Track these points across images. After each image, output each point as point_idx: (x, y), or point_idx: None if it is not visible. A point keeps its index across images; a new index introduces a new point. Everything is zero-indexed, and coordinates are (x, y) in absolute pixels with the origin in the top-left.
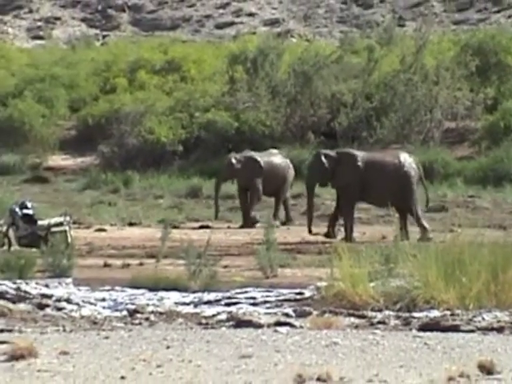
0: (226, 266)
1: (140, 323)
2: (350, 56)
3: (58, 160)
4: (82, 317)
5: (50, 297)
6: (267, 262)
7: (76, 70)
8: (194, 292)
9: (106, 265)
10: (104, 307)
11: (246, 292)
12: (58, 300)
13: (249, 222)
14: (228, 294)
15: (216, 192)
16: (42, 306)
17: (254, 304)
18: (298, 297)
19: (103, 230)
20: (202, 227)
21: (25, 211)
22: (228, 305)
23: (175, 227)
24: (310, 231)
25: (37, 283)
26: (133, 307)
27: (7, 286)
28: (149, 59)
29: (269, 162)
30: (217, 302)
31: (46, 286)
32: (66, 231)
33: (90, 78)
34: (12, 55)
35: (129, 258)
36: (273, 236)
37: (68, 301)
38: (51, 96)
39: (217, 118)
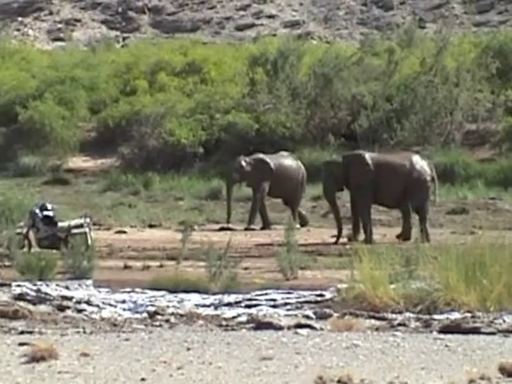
0: (246, 268)
1: (160, 325)
2: (371, 58)
3: (78, 162)
4: (103, 319)
5: (70, 299)
6: (288, 264)
7: (96, 71)
8: (215, 294)
9: (126, 267)
10: (124, 309)
11: (266, 294)
12: (79, 302)
13: (252, 224)
14: (248, 296)
15: (228, 195)
16: (62, 308)
17: (274, 306)
18: (319, 299)
19: (123, 232)
20: (222, 229)
21: (45, 213)
22: (248, 307)
23: (195, 229)
24: (336, 242)
25: (57, 285)
26: (153, 309)
27: (28, 287)
28: (169, 61)
29: (279, 164)
30: (237, 303)
31: (67, 287)
32: (86, 233)
33: (111, 80)
34: (32, 57)
35: (149, 259)
36: (293, 238)
37: (88, 303)
38: (71, 98)
39: (237, 119)
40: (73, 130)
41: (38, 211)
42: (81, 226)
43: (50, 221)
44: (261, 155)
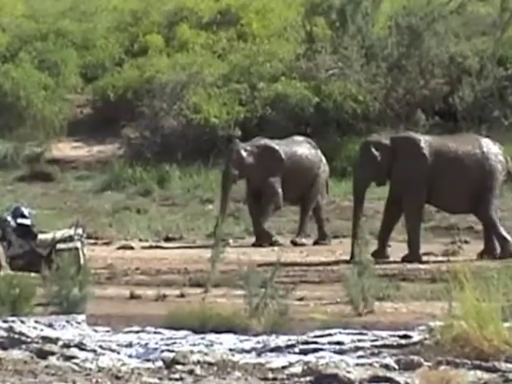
0: (301, 299)
1: (181, 378)
2: (476, 4)
3: (66, 149)
4: (100, 369)
5: (54, 341)
6: (359, 293)
7: (92, 23)
8: (257, 335)
9: (133, 296)
10: (131, 355)
11: (329, 335)
12: (67, 345)
13: (264, 237)
14: (304, 338)
15: (223, 197)
16: (43, 354)
17: (340, 352)
18: (403, 342)
19: (129, 248)
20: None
21: (20, 221)
22: (304, 353)
23: (230, 244)
24: (352, 257)
25: (36, 321)
26: (171, 356)
27: None
28: (193, 8)
29: (292, 153)
30: (289, 348)
31: (50, 325)
32: (77, 249)
33: (111, 35)
34: (3, 3)
35: (165, 286)
36: (366, 256)
37: (80, 347)
38: (57, 60)
39: (289, 90)
40: (58, 105)
41: (9, 218)
42: (70, 239)
43: (26, 232)
44: (265, 140)
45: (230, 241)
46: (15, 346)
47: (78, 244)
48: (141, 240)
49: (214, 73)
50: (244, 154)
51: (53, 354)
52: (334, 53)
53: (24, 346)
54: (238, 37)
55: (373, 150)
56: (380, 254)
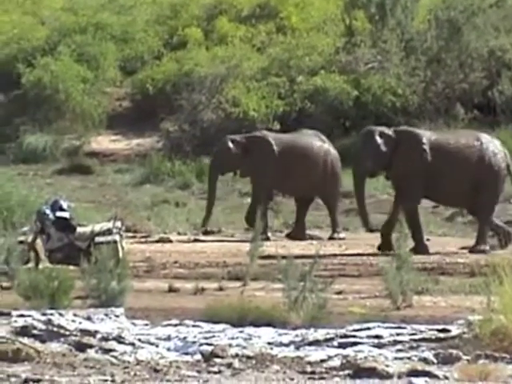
0: (340, 292)
1: (220, 371)
2: None
3: (105, 142)
4: (139, 362)
5: (93, 334)
6: (398, 287)
7: (131, 16)
8: (296, 328)
9: (171, 289)
10: (169, 349)
11: (368, 328)
12: (105, 338)
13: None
14: (343, 332)
15: (210, 190)
16: (82, 347)
17: (379, 345)
18: (442, 336)
19: (168, 241)
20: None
21: (59, 214)
22: (343, 346)
23: (269, 237)
24: (369, 229)
25: (75, 314)
26: (209, 349)
27: (35, 318)
28: (233, 1)
29: (288, 145)
30: (327, 341)
31: (89, 318)
32: (116, 242)
33: (151, 28)
34: None
35: (204, 279)
36: (407, 250)
37: (119, 340)
38: (96, 53)
39: (328, 83)
40: (97, 98)
41: (48, 212)
42: (108, 232)
43: (65, 225)
44: (262, 132)
45: (269, 234)
46: (54, 338)
47: (117, 237)
48: (179, 233)
49: (253, 66)
50: (231, 145)
51: (91, 347)
52: (374, 46)
53: (62, 339)
54: (277, 30)
55: (377, 137)
56: (386, 246)
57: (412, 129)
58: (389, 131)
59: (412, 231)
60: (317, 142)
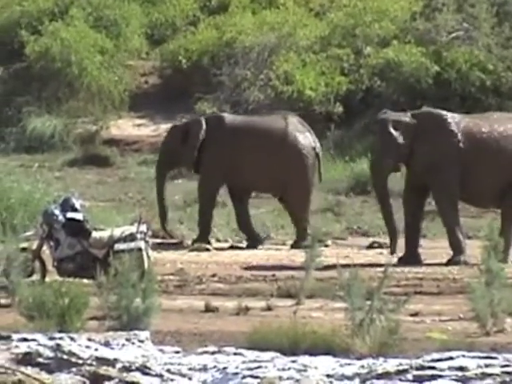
0: (415, 314)
1: None
2: None
3: (127, 127)
4: None
5: (112, 363)
6: (487, 308)
7: None
8: (361, 357)
9: (208, 308)
10: (205, 382)
11: (450, 358)
12: (127, 369)
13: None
14: (419, 362)
15: (159, 186)
16: (98, 379)
17: (463, 379)
18: None
19: (205, 250)
20: (373, 245)
21: (70, 215)
22: (419, 380)
23: (328, 245)
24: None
25: (90, 339)
26: (255, 383)
27: (40, 343)
28: None
29: (248, 126)
30: (400, 374)
31: (106, 344)
32: (140, 250)
33: None
34: None
35: (248, 296)
36: (496, 263)
37: (143, 370)
38: (116, 17)
39: (402, 57)
40: (118, 73)
41: (57, 212)
42: (131, 237)
43: (77, 229)
44: (224, 114)
45: (329, 242)
46: (64, 368)
47: (142, 244)
48: (218, 240)
49: (310, 35)
50: (175, 132)
51: (110, 378)
52: (459, 11)
53: (74, 369)
54: None
55: (391, 129)
56: (410, 259)
57: (435, 110)
58: (405, 117)
59: (452, 237)
60: (280, 126)
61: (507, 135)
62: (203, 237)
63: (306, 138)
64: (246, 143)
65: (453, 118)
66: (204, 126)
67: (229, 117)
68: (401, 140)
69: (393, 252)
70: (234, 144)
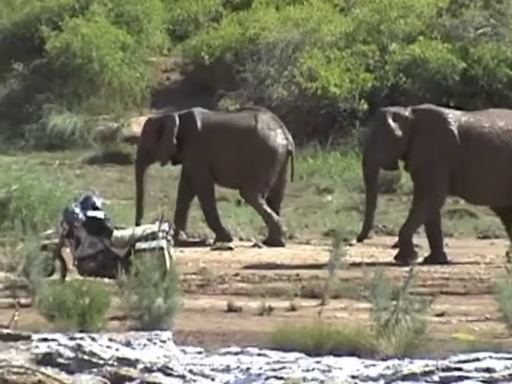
0: (442, 314)
1: None
2: None
3: None
4: None
5: (133, 363)
6: None
7: None
8: (386, 358)
9: (231, 308)
10: (228, 382)
11: (476, 360)
12: (149, 369)
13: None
14: (445, 363)
15: (138, 181)
16: (119, 380)
17: (490, 381)
18: None
19: (227, 248)
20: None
21: (91, 213)
22: (445, 381)
23: (353, 244)
24: (360, 239)
25: (111, 339)
26: (279, 383)
27: (60, 343)
28: None
29: (215, 121)
30: (426, 375)
31: (128, 344)
32: (162, 249)
33: None
34: None
35: (272, 296)
36: None
37: (165, 371)
38: (138, 13)
39: (428, 53)
40: (140, 70)
41: (77, 210)
42: (153, 236)
43: (98, 227)
44: (199, 109)
45: (353, 241)
46: (84, 369)
47: (164, 243)
48: (241, 239)
49: (335, 31)
50: (150, 126)
51: (131, 379)
52: (486, 7)
53: (95, 370)
54: None
55: (390, 120)
56: (437, 258)
57: (435, 107)
58: (405, 111)
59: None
60: (249, 122)
61: (508, 131)
62: (222, 234)
63: (276, 135)
64: (216, 139)
65: (453, 116)
66: (177, 123)
67: (200, 113)
68: (399, 133)
69: (359, 240)
70: (206, 140)
